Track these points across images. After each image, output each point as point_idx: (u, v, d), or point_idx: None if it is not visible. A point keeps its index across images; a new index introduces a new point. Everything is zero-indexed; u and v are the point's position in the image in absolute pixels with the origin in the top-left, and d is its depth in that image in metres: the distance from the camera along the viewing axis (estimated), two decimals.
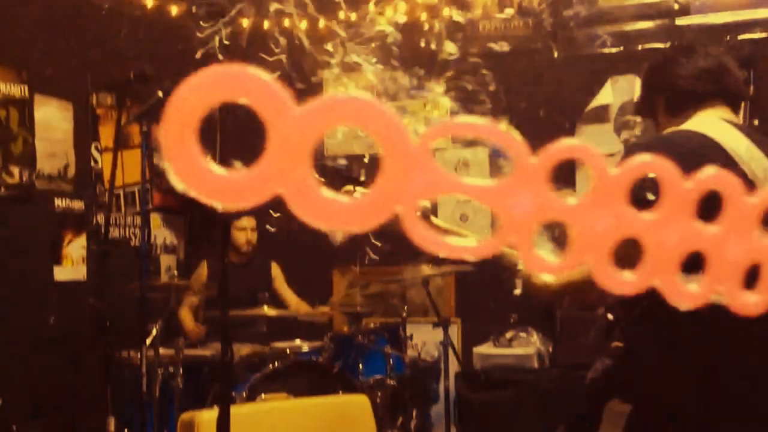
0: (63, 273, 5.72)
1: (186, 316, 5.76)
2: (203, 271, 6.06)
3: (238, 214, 5.96)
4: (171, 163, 0.61)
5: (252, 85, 0.60)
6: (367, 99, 0.63)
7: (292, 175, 0.60)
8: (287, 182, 0.60)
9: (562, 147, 0.69)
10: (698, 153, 2.22)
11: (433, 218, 2.62)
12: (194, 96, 0.61)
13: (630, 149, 2.36)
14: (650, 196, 0.71)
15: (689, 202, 0.71)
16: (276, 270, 6.25)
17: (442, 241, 0.72)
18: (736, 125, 2.37)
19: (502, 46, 6.36)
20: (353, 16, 6.74)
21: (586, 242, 0.71)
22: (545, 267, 0.72)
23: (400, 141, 0.64)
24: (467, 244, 0.72)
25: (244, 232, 6.09)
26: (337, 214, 0.64)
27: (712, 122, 2.35)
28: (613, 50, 6.30)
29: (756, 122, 5.51)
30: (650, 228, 0.71)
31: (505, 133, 0.67)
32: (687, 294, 0.76)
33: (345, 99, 0.63)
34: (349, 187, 2.50)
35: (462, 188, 0.69)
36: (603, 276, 0.72)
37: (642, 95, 2.64)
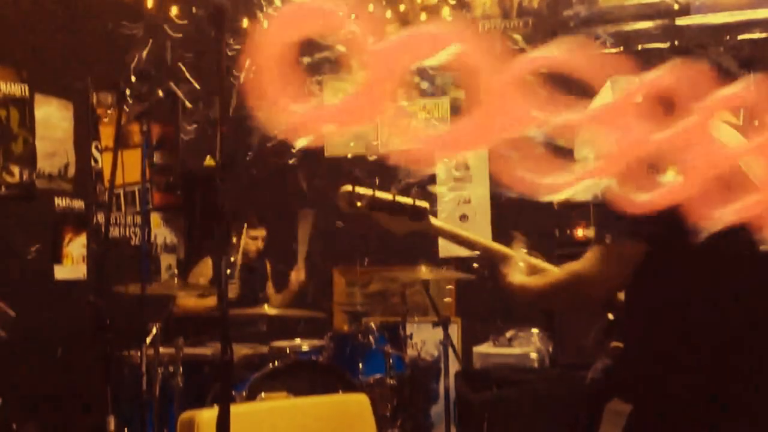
0: (63, 272, 5.72)
1: (190, 302, 5.75)
2: (207, 267, 6.07)
3: (252, 223, 6.02)
4: (263, 101, 0.59)
5: (330, 20, 0.59)
6: (443, 31, 0.61)
7: (383, 105, 0.60)
8: (380, 111, 0.59)
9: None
10: None
11: (432, 219, 2.62)
12: (276, 33, 0.60)
13: None
14: None
15: None
16: (268, 268, 6.31)
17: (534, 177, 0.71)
18: (735, 126, 2.38)
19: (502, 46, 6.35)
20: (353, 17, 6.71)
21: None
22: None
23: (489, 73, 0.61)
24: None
25: (256, 242, 6.13)
26: (432, 138, 0.63)
27: (712, 122, 2.36)
28: (613, 50, 6.30)
29: (756, 123, 5.51)
30: None
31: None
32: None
33: (421, 34, 0.62)
34: (349, 188, 2.51)
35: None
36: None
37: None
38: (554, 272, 2.47)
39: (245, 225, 5.99)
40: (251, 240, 6.09)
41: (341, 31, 0.59)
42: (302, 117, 0.62)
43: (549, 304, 2.58)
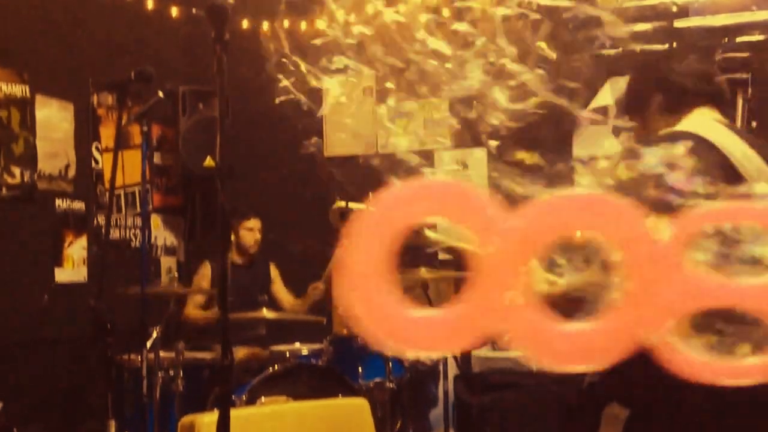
0: (64, 274, 5.72)
1: (195, 313, 5.76)
2: (207, 271, 6.06)
3: (245, 215, 5.99)
4: (358, 304, 0.50)
5: (460, 202, 0.51)
6: (584, 197, 0.49)
7: (507, 305, 0.50)
8: (509, 318, 0.50)
9: None
10: (696, 155, 2.23)
11: (427, 232, 2.60)
12: (389, 216, 0.51)
13: (631, 150, 2.35)
14: None
15: None
16: (274, 271, 6.26)
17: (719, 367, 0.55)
18: (728, 126, 2.39)
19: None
20: (351, 18, 6.73)
21: None
22: None
23: (641, 239, 0.50)
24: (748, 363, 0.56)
25: (252, 233, 6.09)
26: (567, 347, 0.53)
27: (707, 123, 2.38)
28: (612, 52, 6.29)
29: (754, 124, 5.51)
30: None
31: None
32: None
33: (560, 202, 0.51)
34: (341, 203, 2.51)
35: (730, 295, 0.53)
36: None
37: (633, 93, 2.64)
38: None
39: (239, 219, 5.94)
40: (248, 232, 6.06)
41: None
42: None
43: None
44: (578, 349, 0.48)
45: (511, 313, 0.48)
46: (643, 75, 2.60)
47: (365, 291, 0.48)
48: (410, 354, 0.50)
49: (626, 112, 2.68)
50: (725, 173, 2.24)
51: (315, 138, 6.93)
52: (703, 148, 2.27)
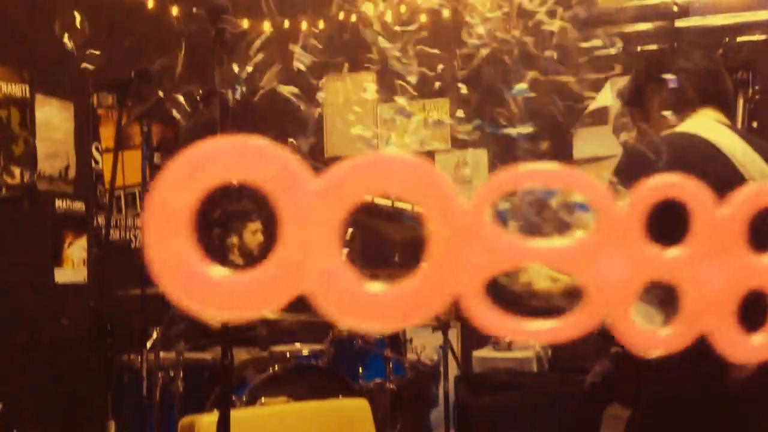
0: (64, 275, 5.71)
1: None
2: None
3: (249, 217, 5.96)
4: (155, 264, 0.51)
5: (256, 161, 0.51)
6: (398, 159, 0.53)
7: (317, 267, 0.50)
8: (313, 277, 0.50)
9: (656, 186, 0.55)
10: (698, 156, 2.24)
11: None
12: (182, 180, 0.52)
13: (630, 151, 2.35)
14: None
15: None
16: None
17: (515, 325, 0.58)
18: (730, 127, 2.38)
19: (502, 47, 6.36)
20: (353, 17, 6.72)
21: (702, 303, 0.57)
22: (652, 342, 0.58)
23: (448, 207, 0.53)
24: (547, 326, 0.58)
25: (256, 236, 6.07)
26: (378, 308, 0.54)
27: (708, 124, 2.37)
28: (612, 51, 6.28)
29: (755, 124, 5.50)
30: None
31: (585, 179, 0.56)
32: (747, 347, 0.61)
33: (372, 162, 0.54)
34: None
35: (533, 255, 0.56)
36: (727, 343, 0.59)
37: (636, 85, 2.61)
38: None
39: (243, 221, 5.91)
40: (251, 235, 6.04)
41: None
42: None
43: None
44: (387, 309, 0.49)
45: (319, 275, 0.48)
46: (646, 72, 2.57)
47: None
48: (213, 315, 0.51)
49: (627, 102, 2.65)
50: (727, 175, 2.24)
51: (313, 138, 6.94)
52: (704, 149, 2.26)
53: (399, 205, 2.50)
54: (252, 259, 6.07)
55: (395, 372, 4.98)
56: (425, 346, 5.45)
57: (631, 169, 2.14)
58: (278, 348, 5.09)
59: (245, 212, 5.94)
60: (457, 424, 5.49)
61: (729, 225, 0.56)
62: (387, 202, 2.48)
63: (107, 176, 5.84)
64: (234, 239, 5.80)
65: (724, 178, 2.22)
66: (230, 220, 6.24)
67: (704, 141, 2.28)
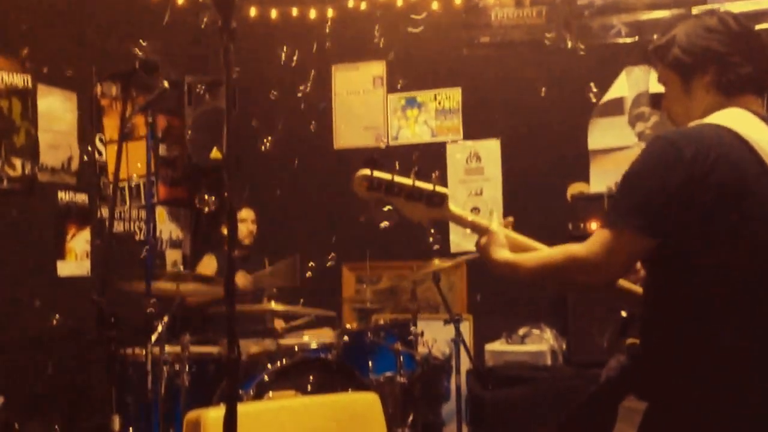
0: (67, 268, 5.64)
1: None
2: (210, 263, 5.99)
3: (237, 205, 5.88)
4: None
5: None
6: None
7: None
8: None
9: None
10: (721, 146, 2.16)
11: (451, 206, 2.51)
12: None
13: (654, 141, 2.25)
14: None
15: None
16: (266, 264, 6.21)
17: None
18: (761, 116, 2.29)
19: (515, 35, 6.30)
20: (363, 5, 6.67)
21: None
22: None
23: None
24: None
25: (245, 224, 6.06)
26: None
27: (737, 115, 2.28)
28: (628, 40, 6.22)
29: None
30: None
31: None
32: None
33: None
34: (366, 171, 2.40)
35: None
36: None
37: (694, 53, 2.42)
38: (548, 252, 2.38)
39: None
40: (240, 223, 5.99)
41: None
42: None
43: (538, 283, 2.49)
44: None
45: None
46: (716, 36, 2.39)
47: None
48: None
49: (664, 78, 2.50)
50: (753, 167, 2.17)
51: (323, 130, 6.89)
52: (730, 140, 2.18)
53: (419, 184, 2.44)
54: (243, 248, 6.03)
55: (406, 366, 4.92)
56: (437, 340, 5.38)
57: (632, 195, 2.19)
58: (286, 341, 5.01)
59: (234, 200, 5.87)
60: (469, 418, 5.44)
61: None
62: (408, 181, 2.42)
63: (111, 168, 5.78)
64: (224, 229, 5.74)
65: (749, 171, 2.16)
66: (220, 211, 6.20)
67: (730, 132, 2.21)
